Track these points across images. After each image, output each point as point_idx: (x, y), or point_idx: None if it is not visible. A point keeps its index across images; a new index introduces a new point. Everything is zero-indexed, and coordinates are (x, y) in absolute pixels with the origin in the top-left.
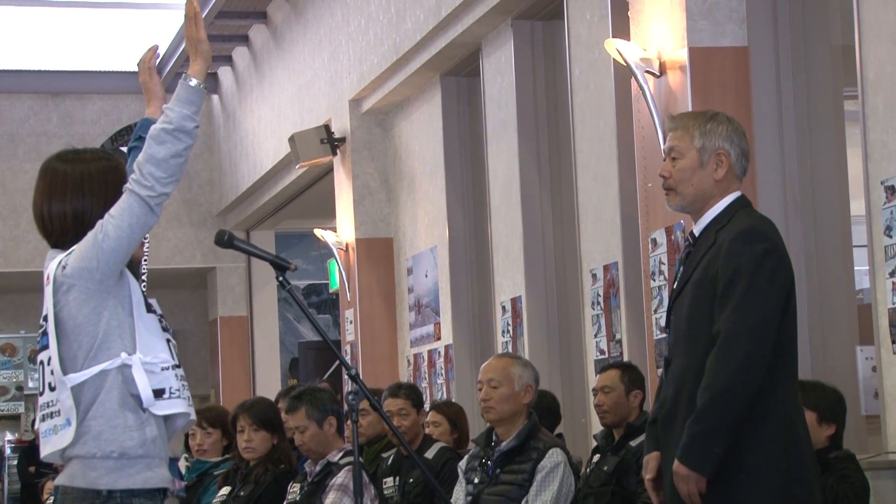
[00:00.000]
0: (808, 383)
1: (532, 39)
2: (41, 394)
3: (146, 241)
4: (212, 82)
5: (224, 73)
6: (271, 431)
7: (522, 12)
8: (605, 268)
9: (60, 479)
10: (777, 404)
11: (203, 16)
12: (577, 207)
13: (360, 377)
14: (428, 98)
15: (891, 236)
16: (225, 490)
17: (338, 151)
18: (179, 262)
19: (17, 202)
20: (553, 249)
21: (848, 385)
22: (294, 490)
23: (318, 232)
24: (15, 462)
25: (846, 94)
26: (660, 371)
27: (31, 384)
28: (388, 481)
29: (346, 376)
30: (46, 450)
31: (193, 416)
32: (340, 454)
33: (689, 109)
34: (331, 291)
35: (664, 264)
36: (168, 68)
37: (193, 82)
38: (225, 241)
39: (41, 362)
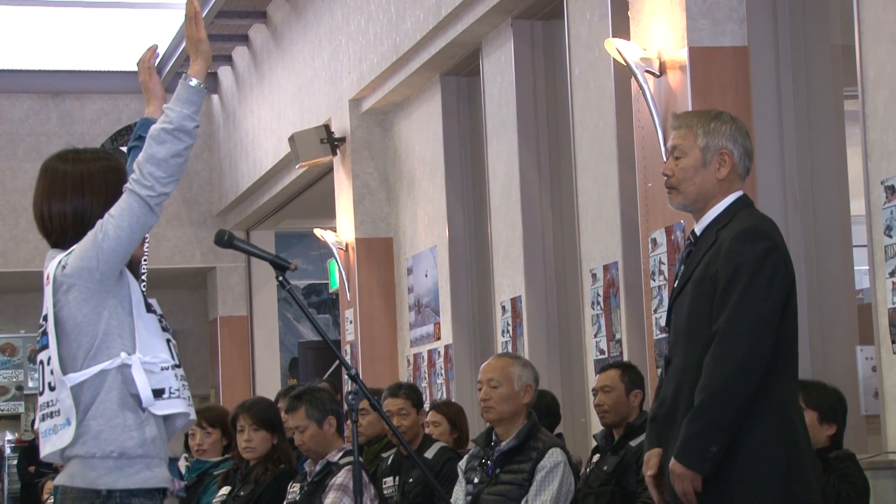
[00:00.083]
0: (809, 383)
1: (532, 39)
2: (41, 393)
3: (146, 240)
4: (212, 82)
5: (224, 72)
6: (271, 431)
7: (522, 12)
8: (605, 267)
9: (60, 479)
10: (776, 404)
11: (203, 15)
12: (577, 207)
13: (360, 377)
14: (428, 98)
15: (891, 236)
16: (225, 490)
17: (338, 151)
18: (179, 261)
19: (17, 202)
20: (553, 249)
21: (848, 385)
22: (294, 490)
23: (317, 232)
24: (15, 462)
25: (846, 93)
26: (659, 370)
27: (30, 384)
28: (388, 481)
29: (345, 376)
30: (46, 449)
31: (193, 416)
32: (340, 454)
33: (689, 109)
34: (331, 291)
35: (664, 264)
36: (168, 68)
37: (194, 82)
38: (225, 240)
39: (41, 362)
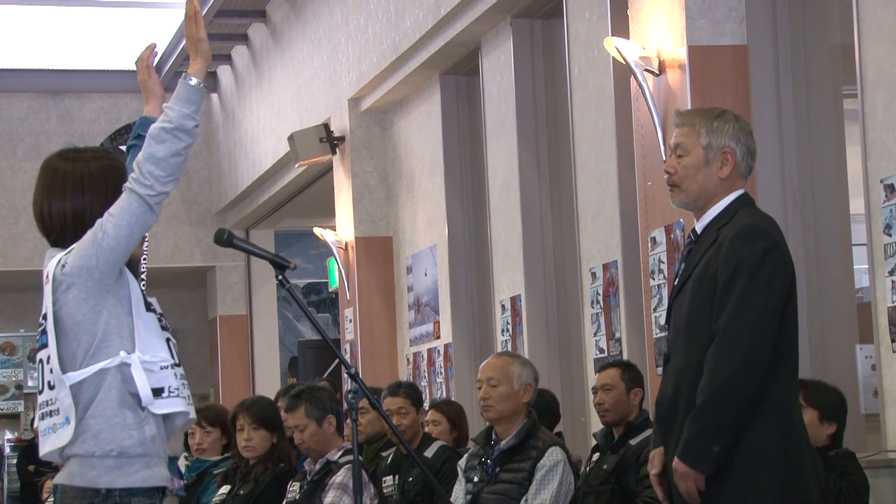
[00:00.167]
0: (810, 382)
1: (531, 38)
2: (40, 392)
3: (145, 239)
4: (211, 81)
5: (223, 71)
6: (271, 430)
7: (521, 11)
8: (605, 266)
9: (59, 478)
10: (776, 404)
11: (202, 14)
12: (577, 206)
13: (360, 376)
14: (427, 97)
15: (890, 235)
16: (224, 489)
17: (337, 150)
18: (179, 260)
19: (17, 201)
20: (552, 248)
21: (847, 384)
22: (294, 489)
23: (317, 231)
24: (14, 461)
25: (845, 92)
26: (659, 369)
27: (30, 383)
28: (388, 480)
29: (345, 375)
30: (45, 448)
31: (193, 415)
32: (340, 453)
33: (689, 108)
34: (330, 290)
35: (663, 263)
36: (167, 67)
37: (193, 81)
38: (224, 239)
39: (40, 361)
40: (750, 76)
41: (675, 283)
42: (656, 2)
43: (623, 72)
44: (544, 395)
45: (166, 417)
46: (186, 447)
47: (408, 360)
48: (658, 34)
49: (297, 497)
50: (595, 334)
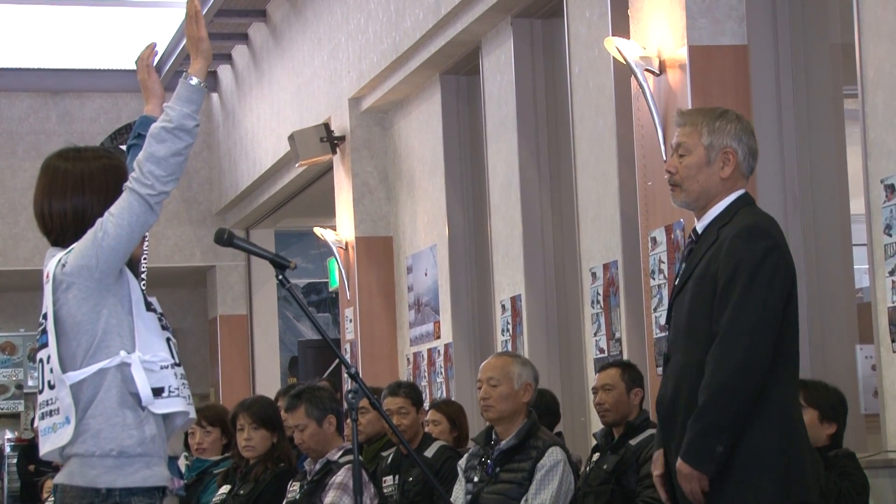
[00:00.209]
0: (810, 382)
1: (532, 38)
2: (40, 392)
3: (145, 239)
4: (211, 80)
5: (223, 71)
6: (271, 430)
7: (522, 10)
8: (605, 266)
9: (59, 478)
10: (776, 404)
11: (203, 14)
12: (577, 206)
13: (360, 376)
14: (427, 96)
15: (890, 235)
16: (224, 489)
17: (337, 150)
18: (179, 260)
19: (17, 200)
20: (553, 248)
21: (847, 384)
22: (294, 489)
23: (317, 230)
24: (14, 460)
25: (846, 92)
26: (659, 369)
27: (30, 382)
28: (388, 480)
29: (345, 375)
30: (45, 448)
31: (193, 415)
32: (340, 452)
33: (689, 108)
34: (330, 290)
35: (664, 263)
36: (168, 66)
37: (194, 81)
38: (224, 239)
39: (40, 360)
40: (750, 76)
41: (676, 282)
42: (657, 1)
43: (623, 72)
44: (544, 395)
45: (166, 417)
46: (186, 447)
47: (408, 359)
48: (658, 34)
49: (297, 497)
50: (595, 334)
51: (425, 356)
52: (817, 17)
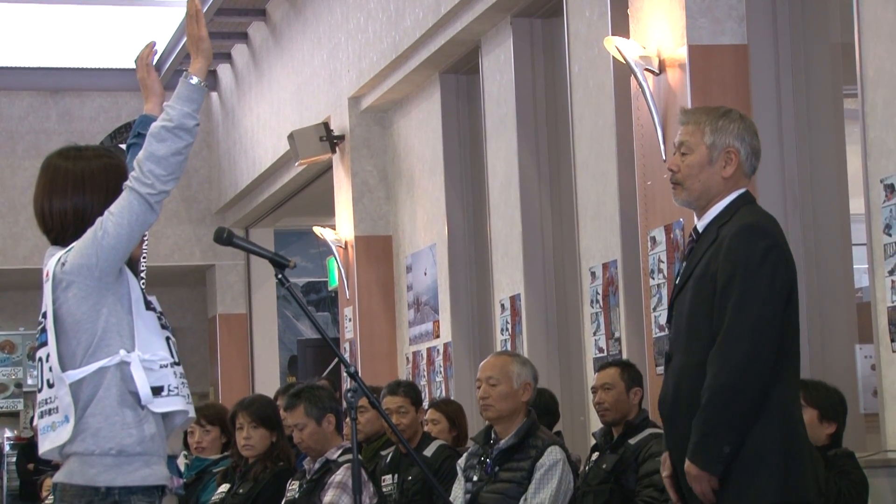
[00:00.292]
0: (810, 382)
1: (531, 37)
2: (40, 390)
3: (145, 238)
4: (211, 80)
5: (223, 70)
6: (270, 429)
7: (522, 10)
8: (605, 266)
9: (59, 476)
10: (776, 404)
11: (203, 13)
12: (577, 205)
13: (359, 375)
14: (427, 96)
15: (890, 234)
16: (224, 487)
17: (337, 149)
18: (178, 259)
19: (16, 199)
20: (552, 247)
21: (847, 383)
22: (293, 487)
23: (317, 229)
24: (14, 459)
25: (846, 91)
26: (659, 369)
27: (30, 381)
28: (387, 479)
29: (344, 374)
30: (45, 446)
31: (192, 414)
32: (339, 452)
33: (689, 107)
34: (330, 289)
35: (663, 262)
36: (167, 65)
37: (194, 80)
38: (224, 238)
39: (40, 359)
40: (750, 75)
41: (677, 282)
42: (656, 1)
43: (623, 71)
44: (543, 395)
45: (166, 416)
46: (186, 446)
47: (407, 359)
48: (658, 33)
49: (297, 496)
50: (594, 334)
51: (424, 355)
52: (817, 17)
